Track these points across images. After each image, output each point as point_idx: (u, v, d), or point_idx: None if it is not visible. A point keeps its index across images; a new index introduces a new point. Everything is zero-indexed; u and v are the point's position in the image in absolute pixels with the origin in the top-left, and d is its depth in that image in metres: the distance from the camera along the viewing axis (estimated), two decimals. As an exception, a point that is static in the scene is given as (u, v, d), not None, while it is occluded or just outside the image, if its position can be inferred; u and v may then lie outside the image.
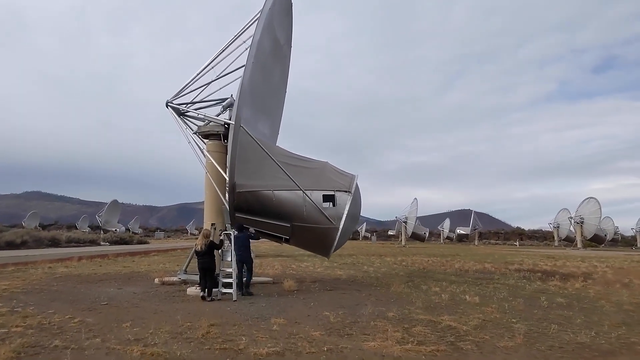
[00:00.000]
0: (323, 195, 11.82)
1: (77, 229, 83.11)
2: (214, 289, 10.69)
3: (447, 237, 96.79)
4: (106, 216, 74.28)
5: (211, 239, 11.22)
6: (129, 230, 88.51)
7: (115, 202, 79.65)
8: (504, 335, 7.29)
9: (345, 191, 12.05)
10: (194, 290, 11.31)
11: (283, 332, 7.22)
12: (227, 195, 11.92)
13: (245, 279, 11.53)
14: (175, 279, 13.62)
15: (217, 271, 11.10)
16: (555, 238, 79.49)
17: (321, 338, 6.91)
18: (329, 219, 11.71)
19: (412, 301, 10.58)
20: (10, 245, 34.21)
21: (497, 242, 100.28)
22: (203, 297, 10.47)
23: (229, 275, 10.92)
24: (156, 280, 13.58)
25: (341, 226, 11.82)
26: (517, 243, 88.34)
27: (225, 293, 10.81)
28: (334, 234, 11.92)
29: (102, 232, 65.67)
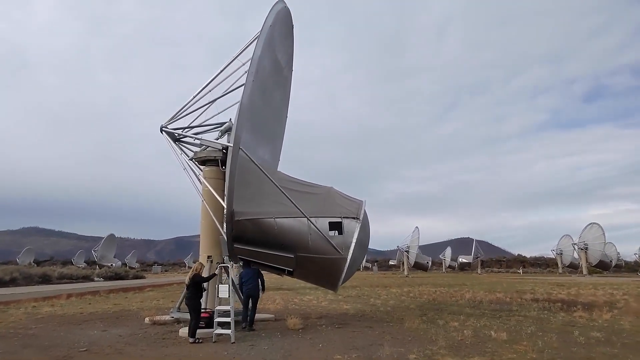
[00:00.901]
0: (329, 222, 10.85)
1: (72, 264, 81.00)
2: (204, 330, 9.61)
3: (449, 266, 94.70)
4: (102, 251, 72.59)
5: (204, 272, 10.21)
6: (126, 265, 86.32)
7: (111, 236, 78.14)
8: (551, 382, 6.18)
9: (354, 217, 11.09)
10: (186, 331, 10.12)
11: (290, 384, 6.10)
12: (224, 224, 10.95)
13: (249, 314, 11.22)
14: (167, 317, 12.42)
15: (205, 308, 10.04)
16: (559, 265, 77.68)
17: (336, 390, 5.80)
18: (336, 249, 10.69)
19: (432, 339, 9.43)
20: (-2, 283, 32.66)
21: (500, 270, 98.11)
22: (193, 342, 9.33)
23: (226, 314, 9.80)
24: (146, 319, 12.38)
25: (350, 256, 10.79)
26: (521, 271, 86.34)
27: (220, 334, 9.64)
28: (342, 264, 10.87)
29: (97, 267, 63.85)
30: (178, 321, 12.20)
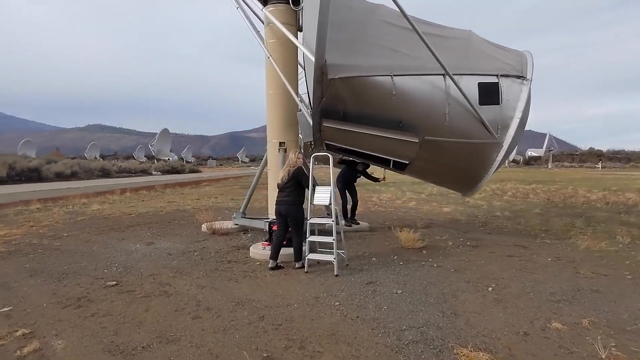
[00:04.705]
0: (479, 83, 6.53)
1: (135, 159, 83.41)
2: (287, 249, 6.27)
3: (513, 160, 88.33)
4: (158, 145, 73.36)
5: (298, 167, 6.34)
6: (182, 159, 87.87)
7: (165, 130, 78.29)
8: None
9: (517, 76, 6.69)
10: (260, 251, 6.88)
11: None
12: (307, 89, 7.00)
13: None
14: (230, 225, 9.37)
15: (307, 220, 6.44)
16: (649, 158, 69.24)
17: None
18: (487, 129, 6.54)
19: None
20: (60, 177, 32.27)
21: (572, 164, 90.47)
22: (274, 267, 6.05)
23: (327, 231, 6.35)
24: (204, 226, 9.38)
25: (509, 141, 6.67)
26: (599, 165, 78.64)
27: (314, 261, 6.29)
28: (493, 153, 6.82)
29: (155, 161, 64.61)
30: (244, 230, 9.14)
